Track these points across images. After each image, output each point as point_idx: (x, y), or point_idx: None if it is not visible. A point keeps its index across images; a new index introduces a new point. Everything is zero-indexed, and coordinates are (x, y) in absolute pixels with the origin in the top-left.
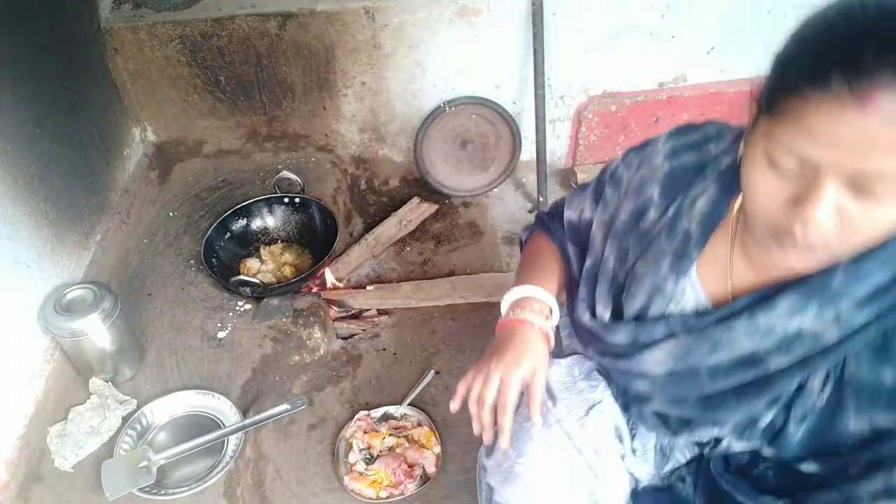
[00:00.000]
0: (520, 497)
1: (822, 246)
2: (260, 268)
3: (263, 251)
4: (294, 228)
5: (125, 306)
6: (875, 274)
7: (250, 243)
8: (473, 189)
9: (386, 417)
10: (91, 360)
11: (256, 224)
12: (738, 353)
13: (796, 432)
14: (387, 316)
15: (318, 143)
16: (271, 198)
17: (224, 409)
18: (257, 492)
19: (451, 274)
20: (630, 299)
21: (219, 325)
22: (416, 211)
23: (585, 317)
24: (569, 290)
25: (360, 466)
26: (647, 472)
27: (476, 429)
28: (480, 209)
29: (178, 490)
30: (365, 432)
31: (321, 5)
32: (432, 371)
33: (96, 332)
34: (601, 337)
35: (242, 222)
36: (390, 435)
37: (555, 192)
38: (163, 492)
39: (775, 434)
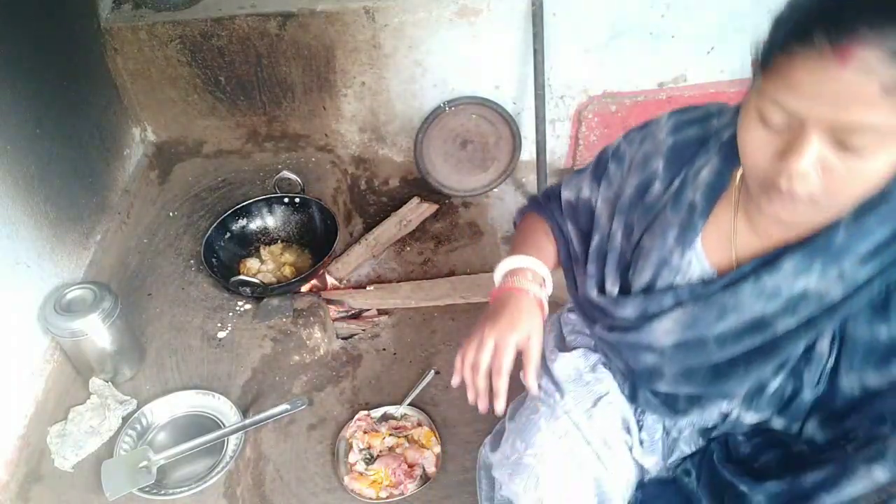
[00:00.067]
0: (530, 488)
1: (805, 197)
2: (260, 268)
3: (263, 251)
4: (294, 228)
5: (125, 306)
6: (876, 230)
7: (250, 243)
8: (473, 189)
9: (386, 417)
10: (91, 360)
11: (256, 224)
12: (745, 318)
13: (811, 398)
14: (387, 316)
15: (318, 143)
16: (271, 198)
17: (224, 409)
18: (257, 492)
19: (451, 274)
20: (637, 274)
21: (219, 325)
22: (416, 211)
23: (594, 293)
24: (567, 269)
25: (360, 466)
26: (654, 463)
27: (471, 397)
28: (480, 209)
29: (178, 490)
30: (365, 432)
31: (321, 5)
32: (432, 371)
33: (96, 332)
34: (610, 312)
35: (242, 222)
36: (390, 435)
37: None
38: (163, 492)
39: (785, 403)
